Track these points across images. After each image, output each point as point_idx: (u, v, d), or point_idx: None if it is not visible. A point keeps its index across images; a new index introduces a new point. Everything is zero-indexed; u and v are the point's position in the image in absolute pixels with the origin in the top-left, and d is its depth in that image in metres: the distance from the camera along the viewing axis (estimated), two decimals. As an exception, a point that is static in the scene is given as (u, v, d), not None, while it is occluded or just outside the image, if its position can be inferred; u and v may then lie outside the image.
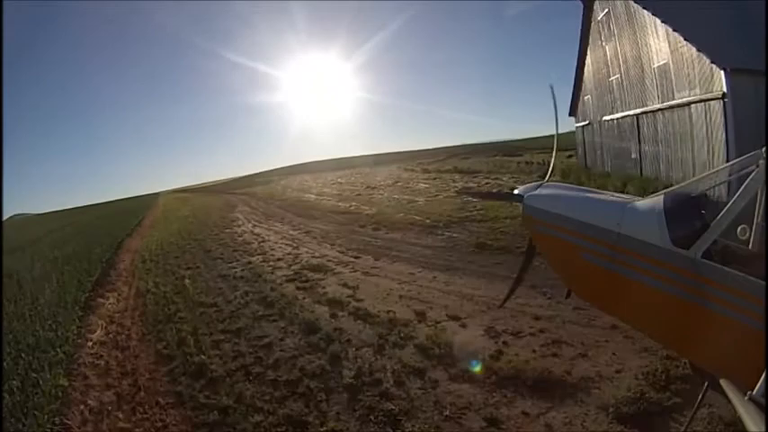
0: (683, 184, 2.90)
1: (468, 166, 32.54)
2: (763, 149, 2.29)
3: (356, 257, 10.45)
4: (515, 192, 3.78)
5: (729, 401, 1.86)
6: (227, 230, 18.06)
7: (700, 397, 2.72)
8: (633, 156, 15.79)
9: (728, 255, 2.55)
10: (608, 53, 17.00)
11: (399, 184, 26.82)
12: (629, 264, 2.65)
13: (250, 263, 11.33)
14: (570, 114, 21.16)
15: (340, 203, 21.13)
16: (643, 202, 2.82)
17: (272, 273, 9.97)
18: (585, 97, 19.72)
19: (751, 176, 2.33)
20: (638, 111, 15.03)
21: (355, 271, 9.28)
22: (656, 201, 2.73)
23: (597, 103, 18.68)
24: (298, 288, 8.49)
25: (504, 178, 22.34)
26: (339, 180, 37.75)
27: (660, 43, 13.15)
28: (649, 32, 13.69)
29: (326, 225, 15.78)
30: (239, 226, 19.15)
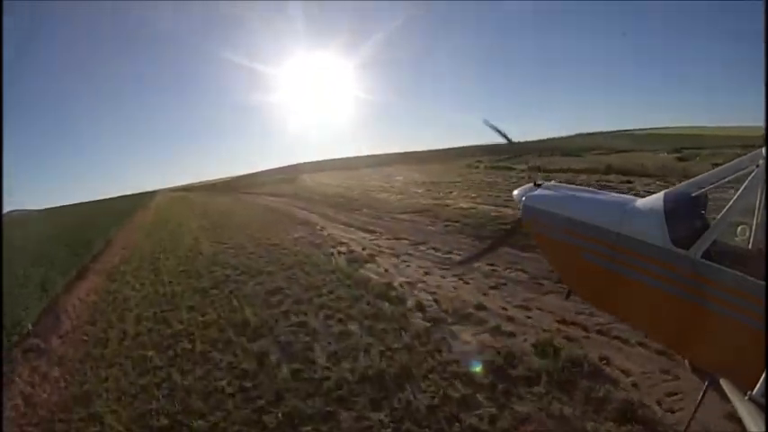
0: (682, 183, 2.90)
1: (618, 165, 18.48)
2: (763, 149, 2.29)
3: None
4: (514, 193, 3.76)
5: (729, 401, 1.86)
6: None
7: (700, 397, 2.71)
8: None
9: (728, 255, 2.55)
10: None
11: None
12: (630, 264, 2.66)
13: None
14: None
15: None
16: (643, 203, 2.82)
17: None
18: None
19: (751, 176, 2.33)
20: None
21: None
22: (656, 201, 2.73)
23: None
24: None
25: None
26: (398, 178, 27.71)
27: None
28: None
29: None
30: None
